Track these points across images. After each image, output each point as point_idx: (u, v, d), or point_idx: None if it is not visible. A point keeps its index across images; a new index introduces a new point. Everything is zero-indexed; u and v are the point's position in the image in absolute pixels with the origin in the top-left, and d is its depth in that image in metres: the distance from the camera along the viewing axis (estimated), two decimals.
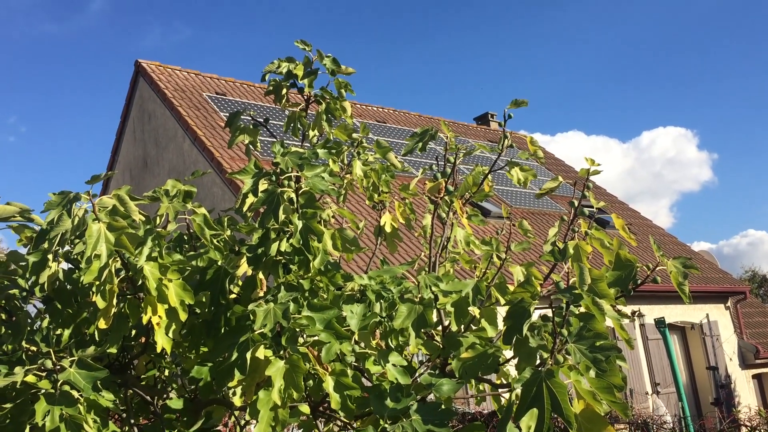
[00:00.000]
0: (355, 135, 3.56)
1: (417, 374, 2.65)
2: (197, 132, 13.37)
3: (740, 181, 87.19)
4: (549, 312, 2.12)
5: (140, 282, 2.21)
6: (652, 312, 15.46)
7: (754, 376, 18.75)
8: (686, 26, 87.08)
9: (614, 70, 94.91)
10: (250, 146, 3.51)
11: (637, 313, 15.19)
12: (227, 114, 14.68)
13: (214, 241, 2.55)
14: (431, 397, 2.42)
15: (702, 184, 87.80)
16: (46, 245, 2.17)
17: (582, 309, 2.14)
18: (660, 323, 14.12)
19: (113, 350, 2.30)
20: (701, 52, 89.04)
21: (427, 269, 3.21)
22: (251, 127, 3.53)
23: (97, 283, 2.10)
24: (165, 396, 2.78)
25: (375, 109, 19.83)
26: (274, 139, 2.79)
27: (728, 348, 17.87)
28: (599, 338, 1.91)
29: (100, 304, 2.10)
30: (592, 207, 2.92)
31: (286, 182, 2.40)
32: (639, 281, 2.54)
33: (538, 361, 2.06)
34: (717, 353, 17.40)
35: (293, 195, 2.38)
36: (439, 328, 2.84)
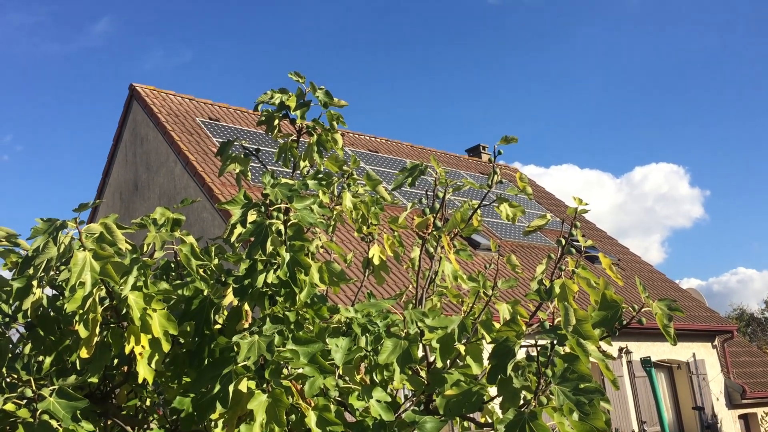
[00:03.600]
0: (345, 167, 3.57)
1: (401, 410, 2.63)
2: (189, 157, 13.38)
3: (731, 218, 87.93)
4: (534, 350, 2.12)
5: (124, 311, 2.20)
6: (639, 349, 15.44)
7: (740, 416, 18.69)
8: (680, 66, 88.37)
9: (609, 106, 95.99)
10: (241, 175, 3.52)
11: (624, 350, 15.18)
12: (220, 140, 14.71)
13: (201, 271, 2.54)
14: None
15: (693, 220, 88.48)
16: (31, 271, 2.15)
17: (567, 349, 2.14)
18: (646, 363, 14.09)
19: (94, 379, 2.27)
20: (694, 91, 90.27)
21: (414, 302, 3.20)
22: (242, 156, 3.54)
23: (81, 311, 2.08)
24: (146, 426, 2.75)
25: (367, 138, 19.93)
26: (266, 168, 2.80)
27: (715, 387, 17.82)
28: (583, 380, 1.91)
29: (83, 333, 2.08)
30: (579, 243, 2.94)
31: (275, 214, 2.40)
32: (624, 321, 2.55)
33: (521, 402, 2.06)
34: (703, 392, 17.34)
35: (282, 227, 2.39)
36: (425, 363, 2.83)
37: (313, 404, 2.21)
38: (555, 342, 2.01)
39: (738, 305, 41.01)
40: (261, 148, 3.61)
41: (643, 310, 2.56)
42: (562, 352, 2.11)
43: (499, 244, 16.05)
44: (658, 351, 16.16)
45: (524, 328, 2.27)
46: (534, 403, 1.94)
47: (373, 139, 20.11)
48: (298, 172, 3.55)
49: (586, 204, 2.92)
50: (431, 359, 2.74)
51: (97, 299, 2.10)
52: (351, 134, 19.26)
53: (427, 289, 3.29)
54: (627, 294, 15.93)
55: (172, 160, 14.13)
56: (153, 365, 2.21)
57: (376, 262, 3.67)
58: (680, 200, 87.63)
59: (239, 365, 2.15)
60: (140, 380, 2.19)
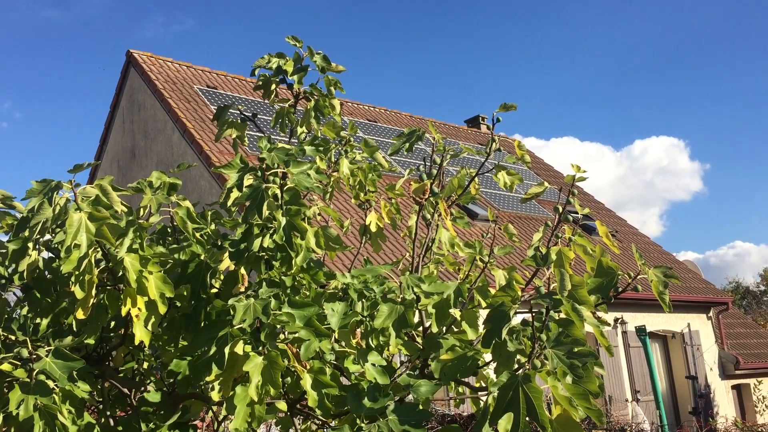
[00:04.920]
0: (343, 133, 3.55)
1: (396, 375, 2.65)
2: (187, 124, 13.31)
3: (730, 192, 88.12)
4: (529, 316, 2.13)
5: (120, 273, 2.20)
6: (634, 320, 15.55)
7: (733, 387, 18.89)
8: (682, 39, 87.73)
9: (609, 79, 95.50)
10: (238, 140, 3.50)
11: (619, 321, 15.29)
12: (217, 107, 14.59)
13: (197, 234, 2.54)
14: (410, 397, 2.42)
15: (692, 194, 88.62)
16: (26, 233, 2.15)
17: (562, 315, 2.15)
18: (641, 331, 14.21)
19: (91, 341, 2.28)
20: (695, 64, 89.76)
21: (410, 270, 3.20)
22: (239, 121, 3.51)
23: (77, 273, 2.08)
24: (143, 389, 2.77)
25: (366, 108, 19.82)
26: (263, 134, 2.78)
27: (709, 358, 17.99)
28: (577, 344, 1.92)
29: (79, 294, 2.09)
30: (576, 213, 2.94)
31: (271, 178, 2.39)
32: (620, 289, 2.55)
33: (516, 366, 2.07)
34: (697, 363, 17.51)
35: (278, 191, 2.38)
36: (420, 329, 2.84)
37: (308, 367, 2.22)
38: (550, 307, 2.02)
39: (734, 278, 41.15)
40: (258, 115, 3.58)
41: (639, 277, 2.56)
42: (557, 318, 2.12)
43: (497, 215, 16.06)
44: (653, 322, 16.28)
45: (520, 293, 2.27)
46: (528, 367, 1.95)
47: (372, 108, 19.99)
48: (295, 139, 3.52)
49: (584, 171, 2.91)
50: (427, 325, 2.75)
51: (93, 261, 2.10)
52: (350, 103, 19.14)
53: (423, 257, 3.28)
54: (623, 265, 15.98)
55: (170, 127, 14.06)
56: (149, 327, 2.21)
57: (373, 229, 3.66)
58: (680, 174, 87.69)
59: (235, 328, 2.16)
60: (136, 342, 2.20)
